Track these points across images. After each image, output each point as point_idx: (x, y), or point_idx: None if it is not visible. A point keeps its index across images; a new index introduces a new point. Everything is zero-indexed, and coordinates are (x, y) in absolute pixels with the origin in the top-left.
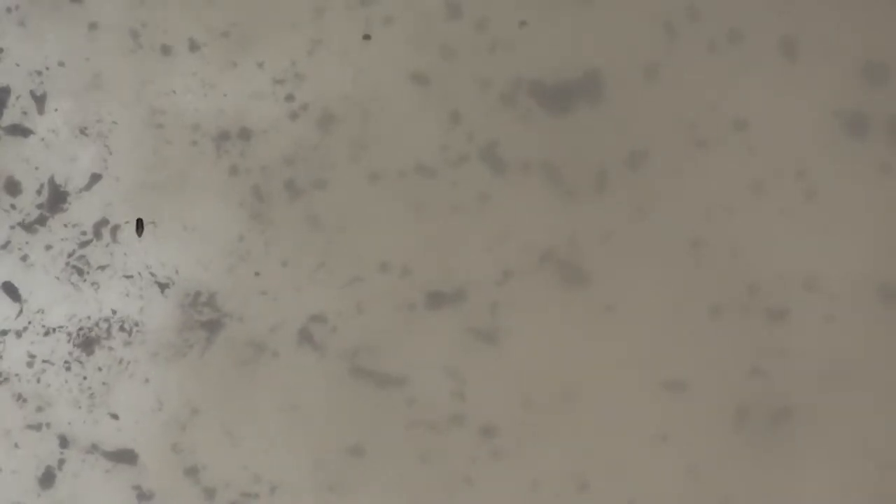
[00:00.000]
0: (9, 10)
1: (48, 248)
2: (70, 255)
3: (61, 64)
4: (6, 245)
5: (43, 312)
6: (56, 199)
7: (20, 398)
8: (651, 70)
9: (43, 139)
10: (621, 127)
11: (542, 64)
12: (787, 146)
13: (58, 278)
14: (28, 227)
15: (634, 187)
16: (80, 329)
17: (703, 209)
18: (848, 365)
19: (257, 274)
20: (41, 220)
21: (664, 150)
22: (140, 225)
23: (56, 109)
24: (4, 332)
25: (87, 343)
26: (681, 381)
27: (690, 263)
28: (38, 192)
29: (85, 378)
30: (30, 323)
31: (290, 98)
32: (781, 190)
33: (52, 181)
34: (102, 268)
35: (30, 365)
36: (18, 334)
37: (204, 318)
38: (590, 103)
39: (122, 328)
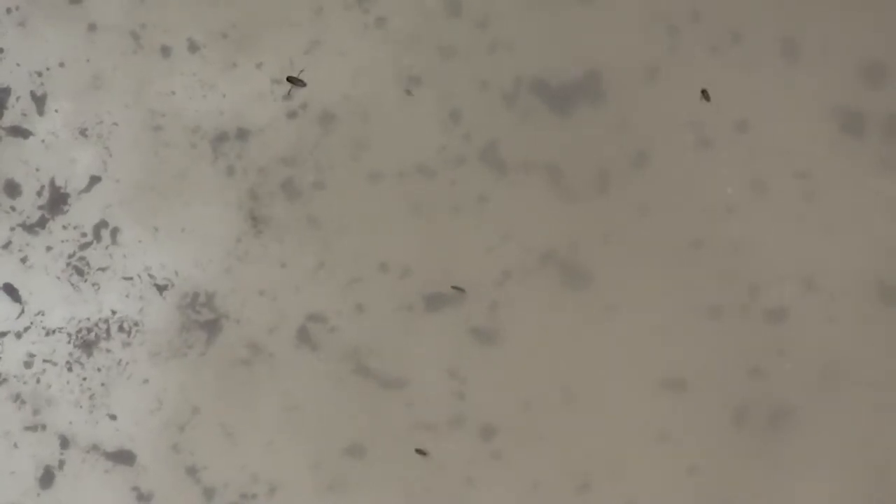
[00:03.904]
0: (8, 10)
1: (48, 249)
2: (70, 257)
3: (61, 65)
4: (7, 246)
5: (43, 313)
6: (56, 200)
7: (20, 399)
8: (652, 70)
9: (43, 140)
10: (622, 127)
11: (542, 64)
12: (787, 146)
13: (58, 279)
14: (28, 228)
15: (635, 187)
16: (80, 330)
17: (704, 209)
18: (848, 365)
19: (256, 275)
20: (42, 222)
21: (665, 150)
22: None
23: (56, 111)
24: (4, 333)
25: (86, 344)
26: (681, 381)
27: (690, 263)
28: (39, 194)
29: (85, 379)
30: (30, 324)
31: (288, 98)
32: (781, 190)
33: (52, 183)
34: (102, 269)
35: (29, 366)
36: (18, 335)
37: (203, 318)
38: (591, 103)
39: (121, 329)
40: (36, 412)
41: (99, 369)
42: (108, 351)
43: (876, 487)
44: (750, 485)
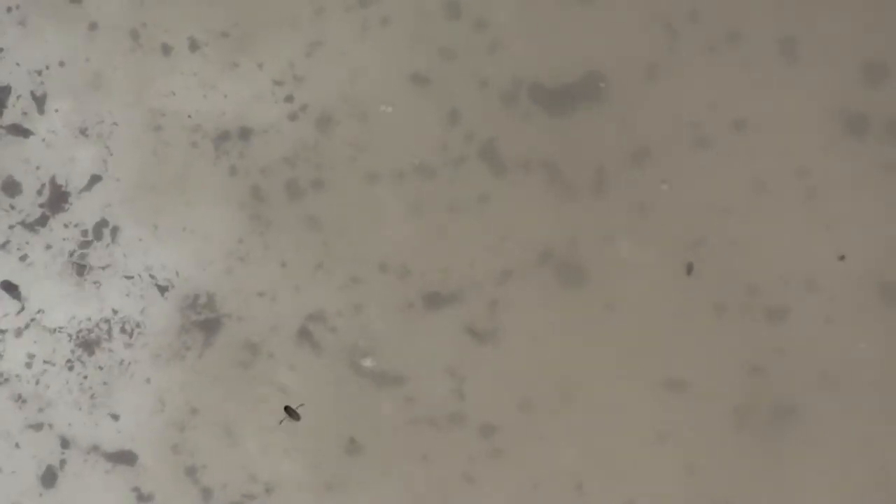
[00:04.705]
0: (9, 9)
1: (48, 248)
2: (71, 256)
3: (61, 64)
4: (6, 245)
5: (43, 313)
6: (57, 199)
7: (20, 399)
8: (651, 70)
9: (43, 139)
10: (621, 127)
11: (541, 64)
12: (787, 146)
13: (58, 278)
14: (29, 227)
15: (634, 187)
16: (81, 329)
17: (703, 209)
18: (848, 365)
19: (257, 275)
20: (42, 221)
21: (664, 150)
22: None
23: (56, 110)
24: (4, 332)
25: (87, 343)
26: (681, 381)
27: (690, 263)
28: (39, 193)
29: (85, 378)
30: (31, 322)
31: (289, 99)
32: (781, 190)
33: (53, 181)
34: (103, 268)
35: (30, 366)
36: (19, 334)
37: (203, 318)
38: (590, 103)
39: (122, 329)
40: (37, 412)
41: (100, 368)
42: (110, 351)
43: (876, 487)
44: (750, 485)
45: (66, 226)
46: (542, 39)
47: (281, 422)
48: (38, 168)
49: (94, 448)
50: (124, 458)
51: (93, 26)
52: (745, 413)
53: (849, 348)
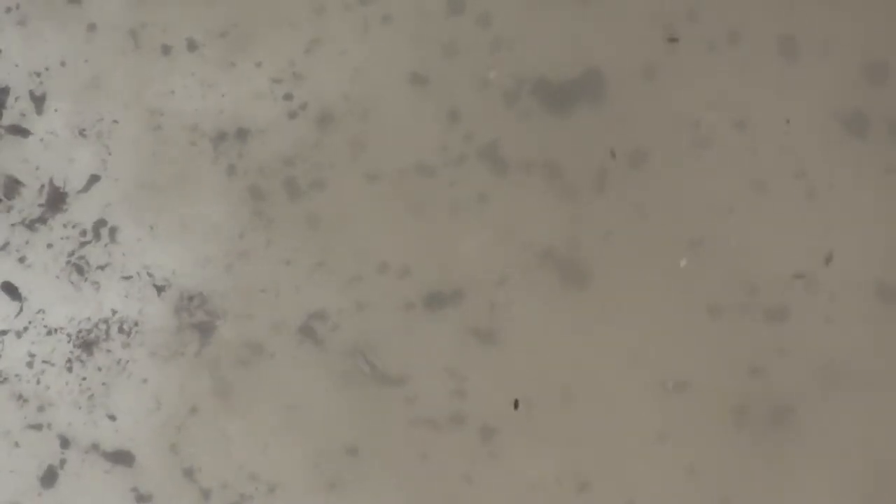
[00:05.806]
0: (8, 10)
1: (48, 248)
2: (70, 256)
3: (61, 64)
4: (6, 246)
5: (43, 313)
6: (56, 199)
7: (21, 398)
8: (651, 70)
9: (42, 140)
10: (621, 127)
11: (542, 63)
12: (786, 146)
13: (58, 279)
14: (28, 227)
15: (634, 187)
16: (80, 330)
17: (703, 209)
18: (848, 365)
19: (256, 273)
20: (41, 221)
21: (664, 149)
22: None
23: (55, 110)
24: (4, 332)
25: (86, 343)
26: (681, 381)
27: (690, 263)
28: (39, 193)
29: (84, 378)
30: (30, 323)
31: (288, 97)
32: (781, 190)
33: (51, 182)
34: (102, 268)
35: (30, 365)
36: (18, 334)
37: (202, 317)
38: (590, 102)
39: (121, 329)
40: (37, 411)
41: (99, 369)
42: (108, 351)
43: (876, 487)
44: (750, 485)
45: (65, 226)
46: (542, 39)
47: None
48: (37, 168)
49: (94, 448)
50: (123, 457)
51: (92, 27)
52: (745, 413)
53: (849, 348)
